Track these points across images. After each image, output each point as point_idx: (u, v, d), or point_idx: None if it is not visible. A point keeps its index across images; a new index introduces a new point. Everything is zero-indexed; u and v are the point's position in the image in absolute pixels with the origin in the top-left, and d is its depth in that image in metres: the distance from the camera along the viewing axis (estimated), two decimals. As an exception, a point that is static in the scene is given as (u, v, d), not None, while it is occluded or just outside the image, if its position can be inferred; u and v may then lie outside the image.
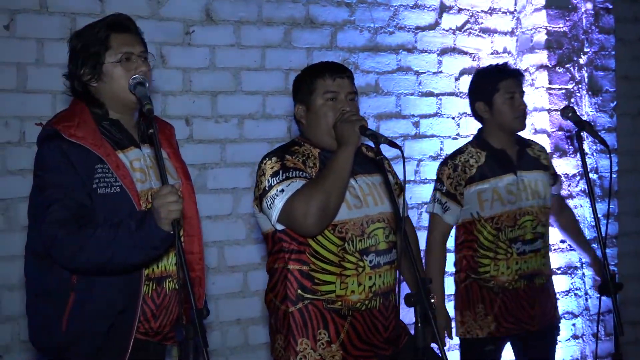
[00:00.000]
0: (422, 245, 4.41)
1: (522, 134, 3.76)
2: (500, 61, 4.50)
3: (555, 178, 3.80)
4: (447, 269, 3.72)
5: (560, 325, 3.85)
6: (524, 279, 3.60)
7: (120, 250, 2.43)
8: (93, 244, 2.43)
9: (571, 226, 3.99)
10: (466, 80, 4.65)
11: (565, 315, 4.56)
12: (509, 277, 3.58)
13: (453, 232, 3.73)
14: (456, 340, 3.75)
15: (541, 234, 3.65)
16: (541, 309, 3.65)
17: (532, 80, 4.66)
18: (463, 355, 3.72)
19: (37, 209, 2.58)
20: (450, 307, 3.72)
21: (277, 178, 2.82)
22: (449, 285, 3.78)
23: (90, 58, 2.64)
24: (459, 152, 3.70)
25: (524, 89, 3.71)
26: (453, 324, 3.71)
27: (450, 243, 3.75)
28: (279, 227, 2.85)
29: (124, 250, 2.43)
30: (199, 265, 2.82)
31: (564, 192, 4.42)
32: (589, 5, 4.75)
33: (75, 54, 2.68)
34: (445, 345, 3.74)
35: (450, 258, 3.76)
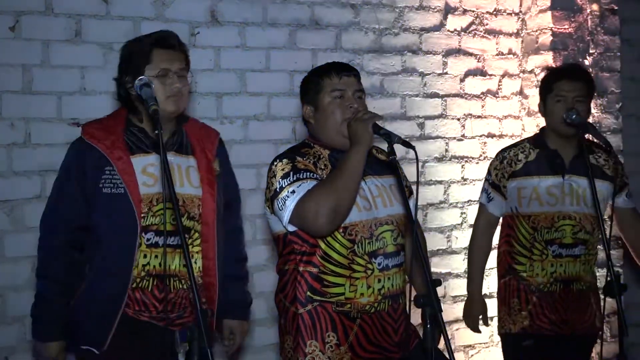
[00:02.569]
0: (431, 246, 4.44)
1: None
2: (506, 62, 4.53)
3: (621, 190, 3.69)
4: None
5: (599, 335, 3.70)
6: (560, 282, 3.56)
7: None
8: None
9: (636, 242, 3.79)
10: (471, 81, 4.67)
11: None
12: (544, 279, 3.56)
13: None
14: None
15: (584, 240, 3.58)
16: (577, 315, 3.60)
17: (538, 81, 4.66)
18: (503, 351, 3.74)
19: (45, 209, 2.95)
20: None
21: (288, 179, 2.82)
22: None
23: (133, 69, 2.87)
24: (514, 145, 3.73)
25: (589, 94, 3.62)
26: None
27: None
28: (291, 228, 2.85)
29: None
30: (213, 271, 2.97)
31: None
32: (595, 7, 4.74)
33: (122, 63, 2.94)
34: (478, 332, 3.81)
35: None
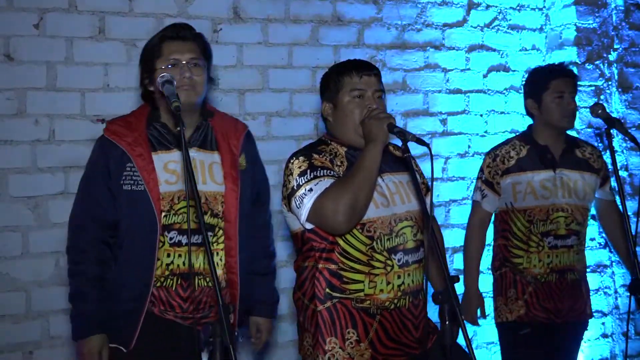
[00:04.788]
0: (449, 243, 4.44)
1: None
2: (530, 58, 4.51)
3: (605, 181, 3.84)
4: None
5: (589, 322, 3.88)
6: (555, 272, 3.67)
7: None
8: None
9: (613, 232, 3.96)
10: (494, 77, 4.65)
11: (595, 314, 4.53)
12: (541, 269, 3.67)
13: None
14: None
15: (576, 231, 3.71)
16: (570, 304, 3.71)
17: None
18: (500, 341, 3.84)
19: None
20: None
21: (305, 177, 2.82)
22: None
23: (148, 65, 2.91)
24: (504, 143, 3.82)
25: (577, 89, 3.76)
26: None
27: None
28: (308, 226, 2.84)
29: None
30: (235, 268, 2.96)
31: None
32: (619, 2, 4.72)
33: (140, 61, 2.97)
34: (477, 324, 3.81)
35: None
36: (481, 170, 3.80)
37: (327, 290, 2.84)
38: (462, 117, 4.59)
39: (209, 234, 2.86)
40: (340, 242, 2.83)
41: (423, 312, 2.94)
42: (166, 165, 2.86)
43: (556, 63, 3.91)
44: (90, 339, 2.81)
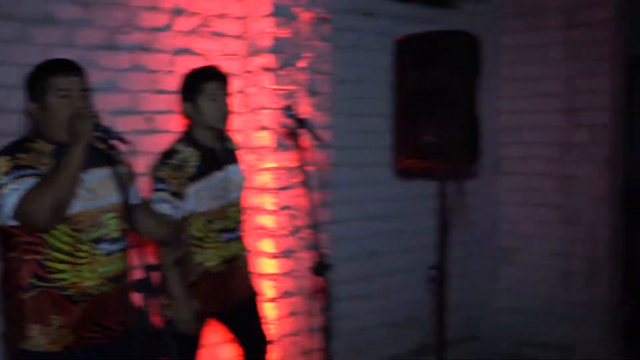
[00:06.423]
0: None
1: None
2: (231, 63, 4.83)
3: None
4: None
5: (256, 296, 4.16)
6: (226, 263, 3.95)
7: None
8: None
9: None
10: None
11: (285, 294, 5.02)
12: (215, 262, 3.91)
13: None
14: None
15: (241, 222, 4.05)
16: (242, 285, 4.07)
17: (259, 81, 5.03)
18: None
19: None
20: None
21: (9, 176, 2.93)
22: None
23: None
24: (173, 152, 3.82)
25: (227, 91, 3.96)
26: None
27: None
28: (14, 222, 2.97)
29: None
30: None
31: (284, 184, 4.88)
32: (310, 15, 5.14)
33: None
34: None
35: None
36: (162, 181, 3.72)
37: (32, 280, 3.01)
38: (168, 116, 4.80)
39: None
40: (46, 235, 3.00)
41: (126, 296, 3.21)
42: None
43: (208, 66, 4.04)
44: None
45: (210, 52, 5.00)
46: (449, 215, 4.71)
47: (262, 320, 4.19)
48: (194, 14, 4.94)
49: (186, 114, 3.96)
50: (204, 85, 3.87)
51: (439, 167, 4.65)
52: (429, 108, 4.52)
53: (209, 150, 3.92)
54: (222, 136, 4.05)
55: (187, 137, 3.92)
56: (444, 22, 6.32)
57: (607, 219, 6.59)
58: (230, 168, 4.01)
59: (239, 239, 4.06)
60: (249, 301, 4.12)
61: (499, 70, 7.03)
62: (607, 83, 6.54)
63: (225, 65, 4.98)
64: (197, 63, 4.86)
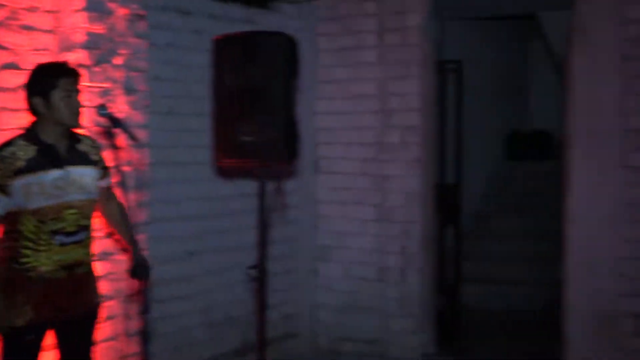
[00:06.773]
0: None
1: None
2: (42, 58, 4.65)
3: (104, 172, 4.07)
4: None
5: (98, 310, 4.12)
6: (65, 269, 3.84)
7: None
8: None
9: (113, 215, 4.20)
10: (6, 75, 4.70)
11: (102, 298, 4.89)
12: (50, 267, 3.80)
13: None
14: None
15: (85, 226, 3.92)
16: (79, 298, 3.93)
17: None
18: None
19: None
20: None
21: None
22: None
23: None
24: (8, 144, 3.77)
25: (79, 87, 3.89)
26: None
27: None
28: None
29: None
30: None
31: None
32: (125, 11, 5.07)
33: None
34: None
35: None
36: None
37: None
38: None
39: None
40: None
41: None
42: None
43: (61, 62, 3.99)
44: None
45: (20, 47, 4.78)
46: (269, 214, 4.78)
47: (91, 344, 4.08)
48: (1, 6, 4.70)
49: (34, 110, 3.84)
50: (57, 80, 3.80)
51: (258, 166, 4.69)
52: (247, 108, 4.56)
53: (49, 146, 3.82)
54: (75, 136, 3.95)
55: (28, 133, 3.84)
56: (263, 23, 6.40)
57: (419, 216, 6.90)
58: (75, 169, 3.88)
59: (81, 245, 3.93)
60: (88, 317, 4.04)
61: (316, 71, 7.20)
62: (417, 86, 6.85)
63: (35, 61, 4.81)
64: (4, 58, 4.68)
